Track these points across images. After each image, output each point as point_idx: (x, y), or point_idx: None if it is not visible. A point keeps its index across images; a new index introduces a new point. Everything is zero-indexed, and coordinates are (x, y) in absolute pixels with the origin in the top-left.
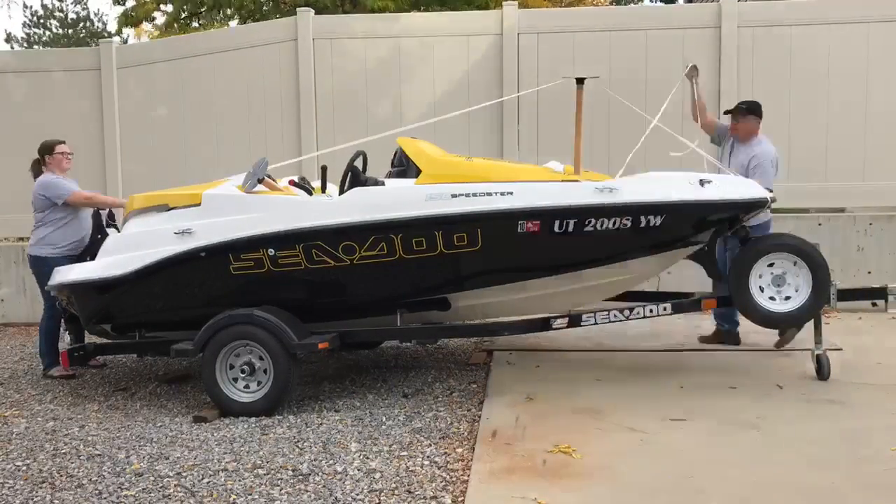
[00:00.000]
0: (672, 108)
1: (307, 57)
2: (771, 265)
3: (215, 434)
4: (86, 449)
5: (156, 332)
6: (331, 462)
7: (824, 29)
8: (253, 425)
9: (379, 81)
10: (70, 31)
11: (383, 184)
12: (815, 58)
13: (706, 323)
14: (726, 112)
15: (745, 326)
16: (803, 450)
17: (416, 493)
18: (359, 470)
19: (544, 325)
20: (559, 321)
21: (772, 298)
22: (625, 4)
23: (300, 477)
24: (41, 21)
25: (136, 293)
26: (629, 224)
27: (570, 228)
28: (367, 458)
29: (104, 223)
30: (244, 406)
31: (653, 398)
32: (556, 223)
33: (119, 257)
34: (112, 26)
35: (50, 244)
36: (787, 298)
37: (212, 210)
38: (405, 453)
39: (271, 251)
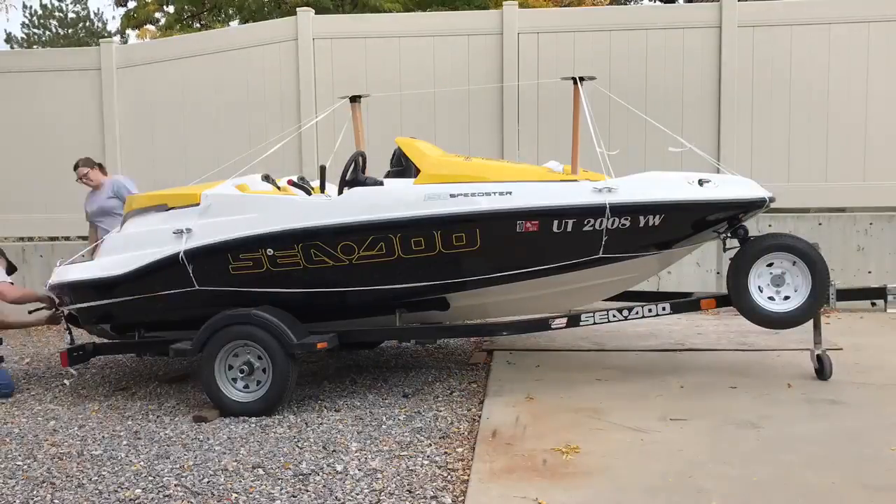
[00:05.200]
0: (670, 106)
1: (307, 57)
2: (770, 265)
3: (215, 434)
4: (86, 449)
5: (155, 331)
6: (331, 462)
7: (824, 29)
8: (253, 425)
9: (379, 81)
10: (70, 31)
11: (382, 184)
12: (815, 57)
13: (707, 322)
14: None
15: (745, 327)
16: (803, 450)
17: (417, 492)
18: (359, 470)
19: (544, 324)
20: (558, 321)
21: (771, 298)
22: (625, 4)
23: (300, 477)
24: (41, 21)
25: (135, 293)
26: (628, 224)
27: (569, 228)
28: (368, 457)
29: None
30: (243, 406)
31: (653, 398)
32: (555, 223)
33: (118, 257)
34: (112, 27)
35: None
36: (787, 298)
37: (211, 210)
38: (405, 453)
39: (270, 251)
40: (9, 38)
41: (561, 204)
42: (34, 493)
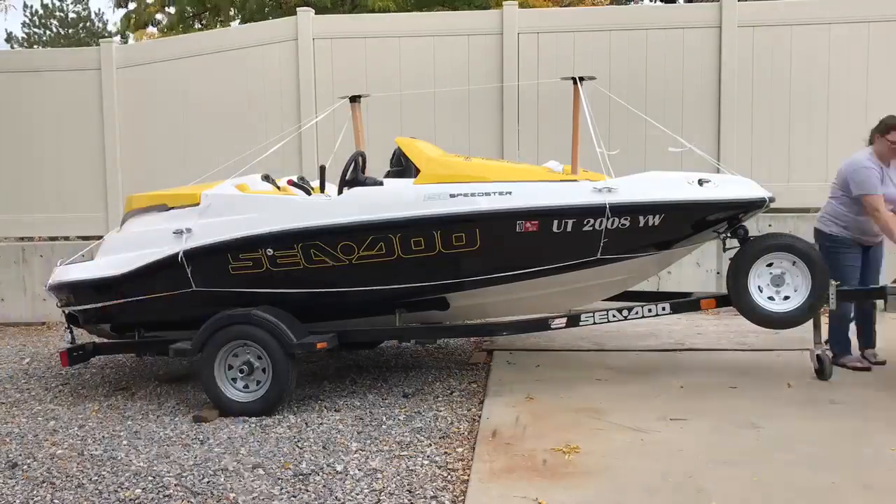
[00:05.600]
0: (670, 106)
1: (307, 57)
2: (770, 265)
3: (215, 434)
4: (86, 449)
5: (155, 331)
6: (331, 462)
7: (824, 29)
8: (253, 425)
9: (379, 81)
10: (70, 31)
11: (382, 184)
12: (815, 58)
13: (707, 322)
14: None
15: (745, 327)
16: (803, 450)
17: (417, 492)
18: (359, 470)
19: (544, 324)
20: (558, 321)
21: (771, 298)
22: (625, 4)
23: (300, 477)
24: (41, 21)
25: (135, 293)
26: (627, 224)
27: (569, 228)
28: (368, 457)
29: None
30: (243, 406)
31: (653, 398)
32: (555, 223)
33: (118, 257)
34: (112, 27)
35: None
36: (787, 298)
37: (210, 210)
38: (405, 453)
39: (270, 251)
40: (9, 38)
41: (561, 204)
42: (34, 493)
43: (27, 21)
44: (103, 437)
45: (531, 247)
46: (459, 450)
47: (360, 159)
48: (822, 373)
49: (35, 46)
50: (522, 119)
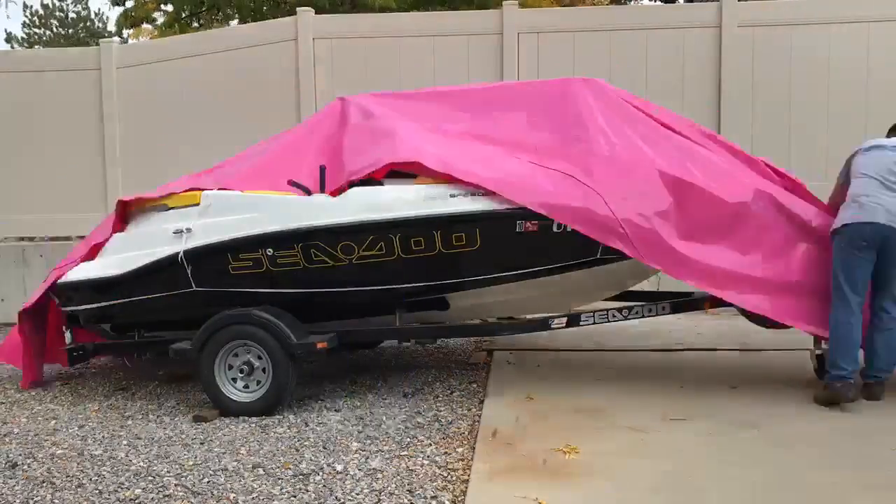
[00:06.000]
0: (670, 106)
1: (307, 57)
2: None
3: (215, 434)
4: (86, 449)
5: (155, 331)
6: (331, 462)
7: (824, 29)
8: (253, 425)
9: (379, 81)
10: (70, 31)
11: (382, 184)
12: (815, 58)
13: (707, 322)
14: None
15: (745, 327)
16: (803, 450)
17: (417, 492)
18: (359, 469)
19: (544, 325)
20: (558, 321)
21: None
22: (625, 4)
23: (300, 477)
24: (41, 21)
25: (135, 293)
26: None
27: (569, 228)
28: (368, 457)
29: None
30: (243, 406)
31: (653, 398)
32: (555, 223)
33: (118, 257)
34: (112, 26)
35: None
36: None
37: (210, 210)
38: (405, 453)
39: (270, 251)
40: (9, 38)
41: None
42: (34, 493)
43: (27, 21)
44: (103, 437)
45: (531, 247)
46: (459, 450)
47: None
48: (822, 373)
49: (35, 46)
50: None
